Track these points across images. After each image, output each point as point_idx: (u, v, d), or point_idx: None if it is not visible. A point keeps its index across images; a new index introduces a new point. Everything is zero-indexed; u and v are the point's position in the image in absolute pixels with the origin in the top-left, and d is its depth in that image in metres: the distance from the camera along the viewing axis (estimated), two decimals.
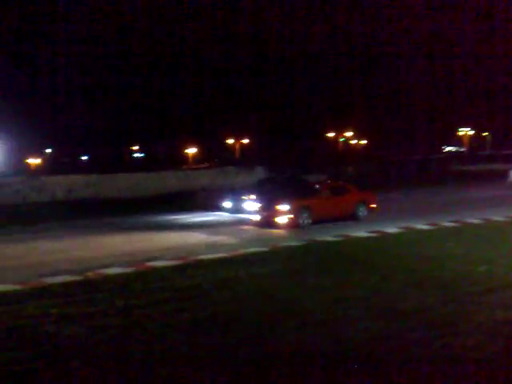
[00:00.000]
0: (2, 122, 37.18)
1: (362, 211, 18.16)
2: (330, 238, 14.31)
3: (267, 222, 17.32)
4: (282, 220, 17.00)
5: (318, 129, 57.08)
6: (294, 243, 13.80)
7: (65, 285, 10.12)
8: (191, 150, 56.08)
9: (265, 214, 17.50)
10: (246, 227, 17.64)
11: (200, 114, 54.01)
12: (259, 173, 34.42)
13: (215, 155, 52.17)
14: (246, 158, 47.49)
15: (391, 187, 29.12)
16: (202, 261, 11.83)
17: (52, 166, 47.08)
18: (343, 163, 43.88)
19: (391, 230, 15.27)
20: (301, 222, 17.00)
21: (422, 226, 15.77)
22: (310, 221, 17.10)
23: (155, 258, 12.32)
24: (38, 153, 51.25)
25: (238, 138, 55.75)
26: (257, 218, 17.86)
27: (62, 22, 44.97)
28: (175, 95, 50.95)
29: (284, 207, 17.05)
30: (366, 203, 18.37)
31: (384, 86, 55.53)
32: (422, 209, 20.53)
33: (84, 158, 59.40)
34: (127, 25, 48.63)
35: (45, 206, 24.75)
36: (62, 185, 29.41)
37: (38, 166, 47.98)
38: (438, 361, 5.95)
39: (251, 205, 18.92)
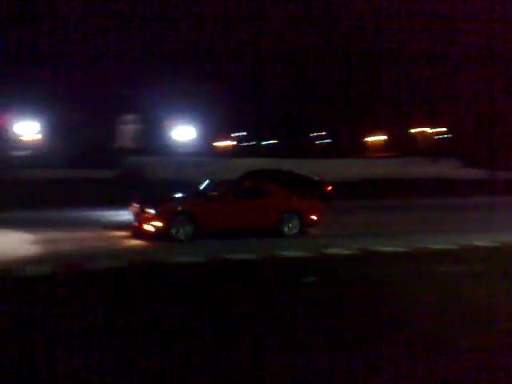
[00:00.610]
0: (196, 108, 39.69)
1: (292, 224, 13.45)
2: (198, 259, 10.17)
3: (140, 230, 12.90)
4: (151, 228, 12.58)
5: None
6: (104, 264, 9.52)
7: None
8: (375, 138, 54.95)
9: (138, 218, 13.04)
10: (120, 234, 13.46)
11: (387, 102, 52.42)
12: (446, 164, 32.45)
13: (399, 145, 50.44)
14: (434, 149, 45.09)
15: None
16: None
17: (239, 150, 49.44)
18: None
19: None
20: (178, 232, 12.47)
21: None
22: (192, 232, 12.58)
23: None
24: (227, 136, 54.11)
25: (428, 127, 53.11)
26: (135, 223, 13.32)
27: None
28: (363, 83, 49.97)
29: (151, 211, 12.65)
30: (300, 213, 13.59)
31: None
32: None
33: (270, 142, 61.22)
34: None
35: None
36: (245, 166, 30.87)
37: (225, 148, 50.83)
38: None
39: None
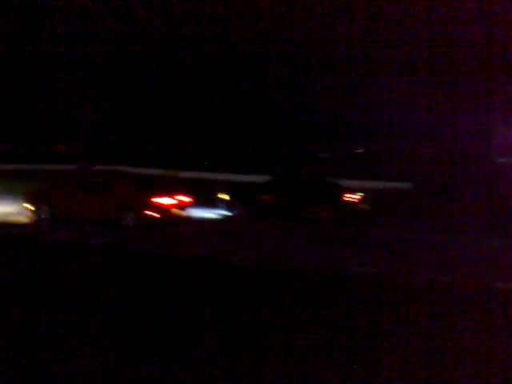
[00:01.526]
0: None
1: (130, 217, 15.06)
2: None
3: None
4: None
5: None
6: None
7: None
8: None
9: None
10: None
11: None
12: None
13: None
14: None
15: None
16: None
17: None
18: None
19: None
20: (42, 215, 16.14)
21: None
22: (49, 216, 15.97)
23: None
24: None
25: None
26: None
27: None
28: None
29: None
30: (133, 209, 15.12)
31: None
32: None
33: None
34: None
35: None
36: None
37: None
38: None
39: None
